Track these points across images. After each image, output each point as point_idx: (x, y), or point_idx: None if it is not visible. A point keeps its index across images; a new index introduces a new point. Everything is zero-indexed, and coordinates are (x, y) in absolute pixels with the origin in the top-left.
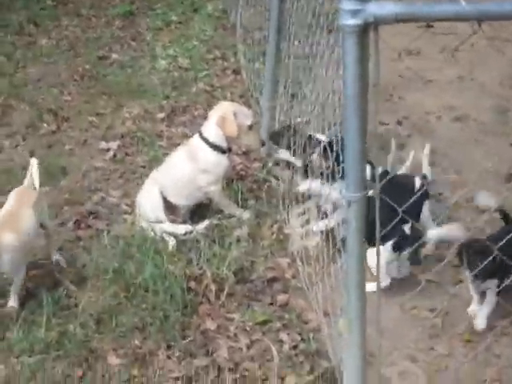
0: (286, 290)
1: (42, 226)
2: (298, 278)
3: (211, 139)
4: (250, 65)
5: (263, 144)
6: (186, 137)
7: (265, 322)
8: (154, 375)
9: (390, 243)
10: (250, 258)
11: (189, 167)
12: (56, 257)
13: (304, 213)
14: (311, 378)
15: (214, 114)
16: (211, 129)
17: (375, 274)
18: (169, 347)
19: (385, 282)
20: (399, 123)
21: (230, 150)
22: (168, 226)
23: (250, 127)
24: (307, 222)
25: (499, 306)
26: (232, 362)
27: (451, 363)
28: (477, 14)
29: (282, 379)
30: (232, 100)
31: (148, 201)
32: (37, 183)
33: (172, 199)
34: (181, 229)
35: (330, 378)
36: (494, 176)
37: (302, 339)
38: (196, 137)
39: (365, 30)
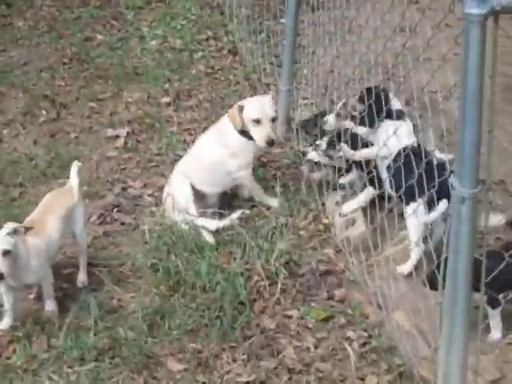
0: (340, 283)
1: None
2: (349, 269)
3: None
4: (245, 45)
5: (271, 144)
6: (196, 122)
7: (327, 319)
8: (221, 380)
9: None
10: (297, 251)
11: (218, 152)
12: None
13: (341, 201)
14: (390, 377)
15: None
16: (237, 119)
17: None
18: (232, 349)
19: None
20: (407, 103)
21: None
22: (199, 221)
23: (257, 121)
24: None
25: None
26: (301, 362)
27: None
28: None
29: (362, 380)
30: (237, 82)
31: (180, 195)
32: (75, 189)
33: (200, 187)
34: (212, 225)
35: (408, 377)
36: None
37: (369, 335)
38: (225, 119)
39: (485, 20)
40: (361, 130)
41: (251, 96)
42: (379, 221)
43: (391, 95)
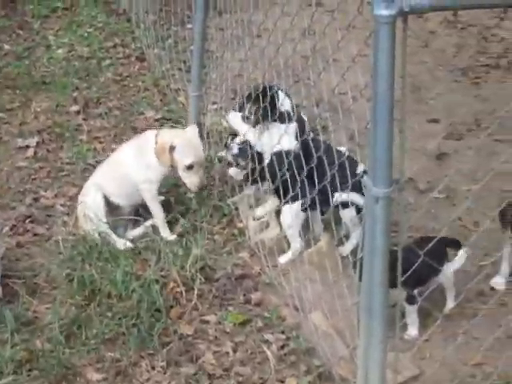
0: (256, 286)
1: None
2: (264, 273)
3: None
4: (152, 51)
5: (202, 189)
6: (106, 129)
7: (244, 323)
8: None
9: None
10: (212, 256)
11: (134, 165)
12: None
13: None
14: (310, 378)
15: (159, 138)
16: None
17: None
18: (150, 356)
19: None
20: (317, 105)
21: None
22: (110, 237)
23: (189, 167)
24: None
25: None
26: (221, 367)
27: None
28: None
29: (282, 382)
30: (146, 89)
31: (92, 205)
32: None
33: (113, 199)
34: (119, 244)
35: (327, 377)
36: (422, 154)
37: (287, 338)
38: (151, 134)
39: (395, 21)
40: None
41: (161, 101)
42: None
43: (282, 95)
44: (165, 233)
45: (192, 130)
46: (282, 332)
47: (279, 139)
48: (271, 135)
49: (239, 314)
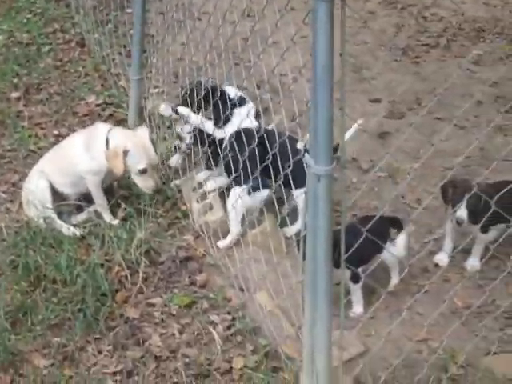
0: (201, 268)
1: None
2: (209, 254)
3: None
4: (92, 36)
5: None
6: (47, 115)
7: (190, 305)
8: (88, 373)
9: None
10: (156, 239)
11: (81, 151)
12: None
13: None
14: (256, 357)
15: (123, 133)
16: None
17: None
18: (97, 341)
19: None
20: (258, 87)
21: None
22: (56, 221)
23: (143, 172)
24: (204, 196)
25: None
26: (168, 349)
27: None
28: None
29: (229, 362)
30: (87, 74)
31: (37, 192)
32: None
33: (58, 187)
34: (65, 229)
35: (274, 356)
36: (364, 133)
37: (233, 318)
38: (103, 127)
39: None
40: (208, 127)
41: (103, 86)
42: None
43: (226, 86)
44: (108, 218)
45: (143, 132)
46: (228, 313)
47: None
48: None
49: (185, 296)
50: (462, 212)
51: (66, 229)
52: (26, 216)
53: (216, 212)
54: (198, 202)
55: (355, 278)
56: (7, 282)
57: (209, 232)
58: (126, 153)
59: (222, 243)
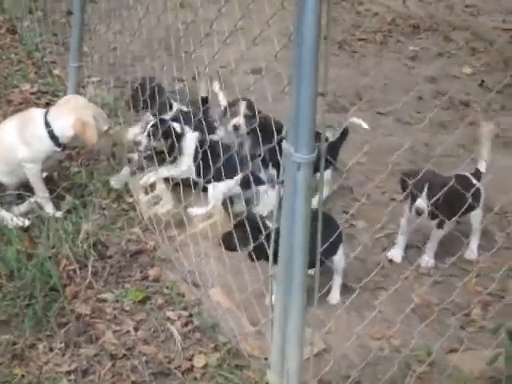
0: (152, 262)
1: None
2: (159, 248)
3: (57, 133)
4: (23, 23)
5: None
6: None
7: (144, 300)
8: (39, 371)
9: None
10: (103, 232)
11: (14, 139)
12: None
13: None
14: (218, 355)
15: (71, 114)
16: (64, 128)
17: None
18: (48, 338)
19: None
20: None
21: (65, 147)
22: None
23: (107, 131)
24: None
25: None
26: (124, 347)
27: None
28: None
29: (189, 360)
30: (20, 61)
31: None
32: None
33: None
34: (9, 221)
35: (236, 354)
36: None
37: (190, 315)
38: (37, 111)
39: None
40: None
41: (36, 74)
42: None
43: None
44: (50, 209)
45: (79, 98)
46: (184, 309)
47: None
48: None
49: (138, 292)
50: (423, 202)
51: (10, 219)
52: None
53: (165, 204)
54: (145, 193)
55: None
56: None
57: (159, 225)
58: (95, 119)
59: (196, 210)
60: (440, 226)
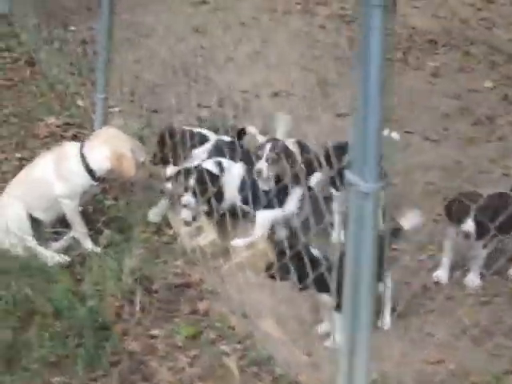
0: (200, 295)
1: None
2: (204, 280)
3: (92, 166)
4: (42, 55)
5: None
6: (5, 138)
7: (196, 335)
8: None
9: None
10: (147, 266)
11: (50, 173)
12: None
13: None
14: None
15: (107, 146)
16: (100, 161)
17: None
18: (102, 378)
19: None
20: (220, 105)
21: (102, 180)
22: (39, 250)
23: (143, 163)
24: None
25: None
26: None
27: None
28: None
29: None
30: (42, 94)
31: (13, 221)
32: None
33: (33, 212)
34: (50, 259)
35: None
36: None
37: (244, 348)
38: (72, 145)
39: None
40: None
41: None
42: (228, 228)
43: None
44: (89, 245)
45: (114, 129)
46: (238, 342)
47: None
48: None
49: (189, 326)
50: (470, 225)
51: (50, 257)
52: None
53: (208, 235)
54: (186, 225)
55: None
56: None
57: (204, 256)
58: (132, 152)
59: (240, 242)
60: (485, 246)
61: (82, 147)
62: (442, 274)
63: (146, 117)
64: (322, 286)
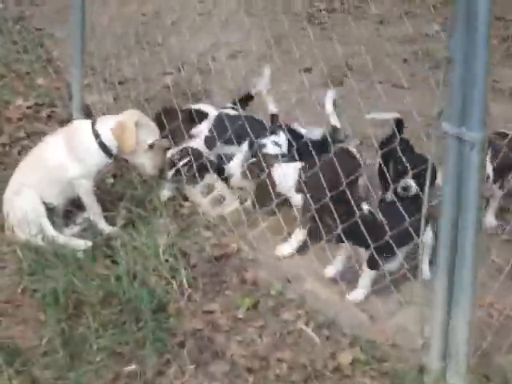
0: (243, 264)
1: None
2: (242, 249)
3: (106, 142)
4: None
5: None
6: None
7: (254, 305)
8: None
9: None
10: (180, 240)
11: (61, 154)
12: None
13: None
14: (359, 349)
15: (114, 119)
16: (106, 132)
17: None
18: (173, 361)
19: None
20: (180, 70)
21: (115, 158)
22: (62, 239)
23: (151, 146)
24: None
25: None
26: (256, 357)
27: None
28: None
29: (333, 358)
30: (2, 77)
31: (29, 212)
32: None
33: (45, 199)
34: (79, 244)
35: (373, 346)
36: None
37: (306, 312)
38: (83, 123)
39: None
40: None
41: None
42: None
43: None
44: (104, 226)
45: (137, 113)
46: (298, 307)
47: None
48: None
49: (245, 297)
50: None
51: (76, 244)
52: (17, 240)
53: (231, 204)
54: (203, 195)
55: None
56: (46, 316)
57: (234, 225)
58: (137, 125)
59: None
60: (501, 186)
61: (93, 124)
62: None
63: (112, 89)
64: (358, 239)
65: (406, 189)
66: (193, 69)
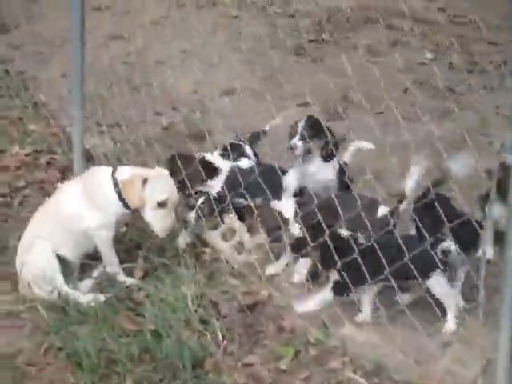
0: (278, 312)
1: None
2: (271, 295)
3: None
4: None
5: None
6: None
7: (296, 355)
8: None
9: None
10: (207, 290)
11: (78, 203)
12: None
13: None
14: None
15: (129, 172)
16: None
17: None
18: None
19: None
20: (174, 109)
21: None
22: (70, 294)
23: (161, 205)
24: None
25: None
26: None
27: None
28: None
29: None
30: None
31: (42, 265)
32: None
33: (60, 251)
34: (86, 300)
35: None
36: None
37: (350, 359)
38: (102, 171)
39: None
40: None
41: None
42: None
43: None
44: (123, 278)
45: (162, 170)
46: (342, 355)
47: None
48: None
49: (285, 347)
50: None
51: (85, 299)
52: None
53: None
54: (225, 240)
55: None
56: (75, 378)
57: (262, 273)
58: (144, 181)
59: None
60: None
61: (113, 172)
62: None
63: (108, 132)
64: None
65: (445, 252)
66: (187, 108)
